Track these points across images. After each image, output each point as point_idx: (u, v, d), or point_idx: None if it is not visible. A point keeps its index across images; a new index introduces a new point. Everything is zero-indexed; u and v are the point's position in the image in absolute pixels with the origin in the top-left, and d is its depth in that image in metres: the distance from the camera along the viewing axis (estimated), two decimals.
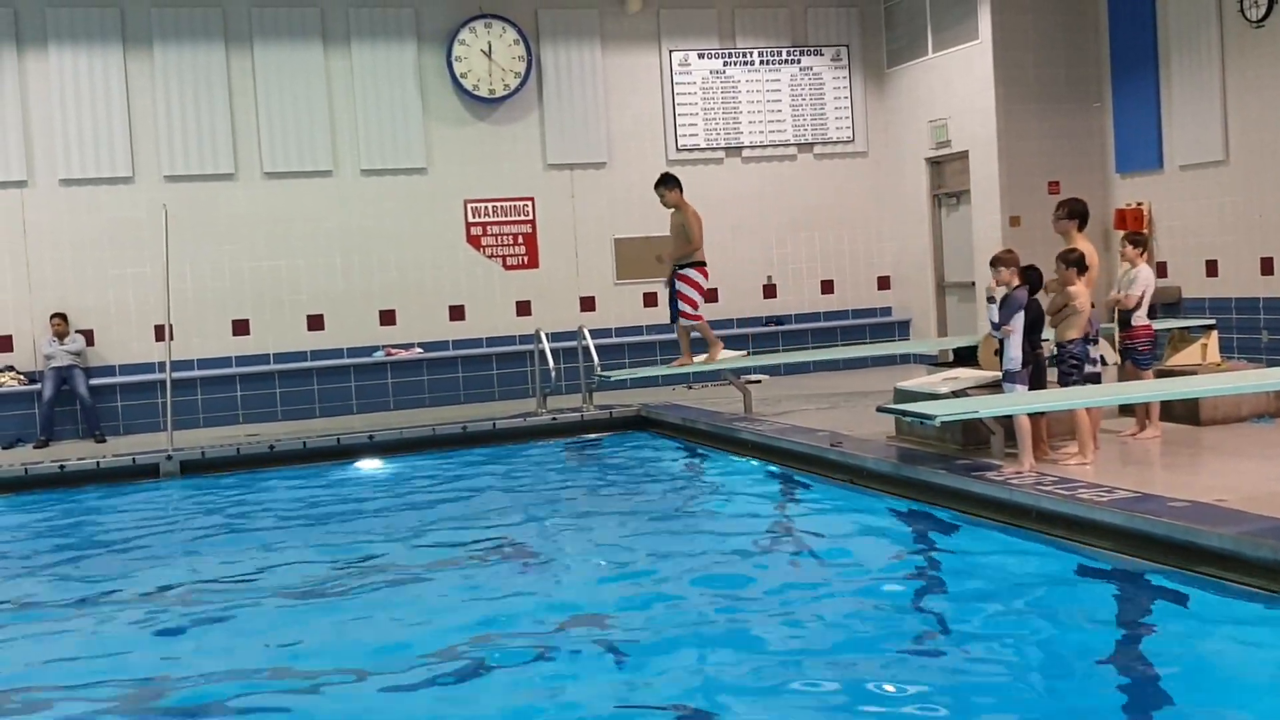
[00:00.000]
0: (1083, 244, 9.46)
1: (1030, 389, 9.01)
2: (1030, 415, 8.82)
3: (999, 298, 9.00)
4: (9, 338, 14.45)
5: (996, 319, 8.99)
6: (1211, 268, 13.70)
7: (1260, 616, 6.21)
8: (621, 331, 16.42)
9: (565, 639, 6.57)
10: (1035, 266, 9.31)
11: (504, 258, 16.13)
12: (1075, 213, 9.66)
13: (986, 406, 8.84)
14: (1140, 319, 9.92)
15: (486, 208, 16.06)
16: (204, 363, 14.96)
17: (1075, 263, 9.13)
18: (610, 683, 5.89)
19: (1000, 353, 9.14)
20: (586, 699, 5.69)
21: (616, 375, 13.80)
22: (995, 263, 9.11)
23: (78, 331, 14.41)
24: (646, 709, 5.55)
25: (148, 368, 14.68)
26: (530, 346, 14.90)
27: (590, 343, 14.09)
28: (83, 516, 10.81)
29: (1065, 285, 9.14)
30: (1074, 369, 9.16)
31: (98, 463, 12.21)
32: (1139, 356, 9.95)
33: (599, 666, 6.13)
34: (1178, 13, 13.84)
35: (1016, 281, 8.98)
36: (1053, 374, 9.52)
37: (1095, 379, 9.29)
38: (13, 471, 12.03)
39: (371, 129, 15.57)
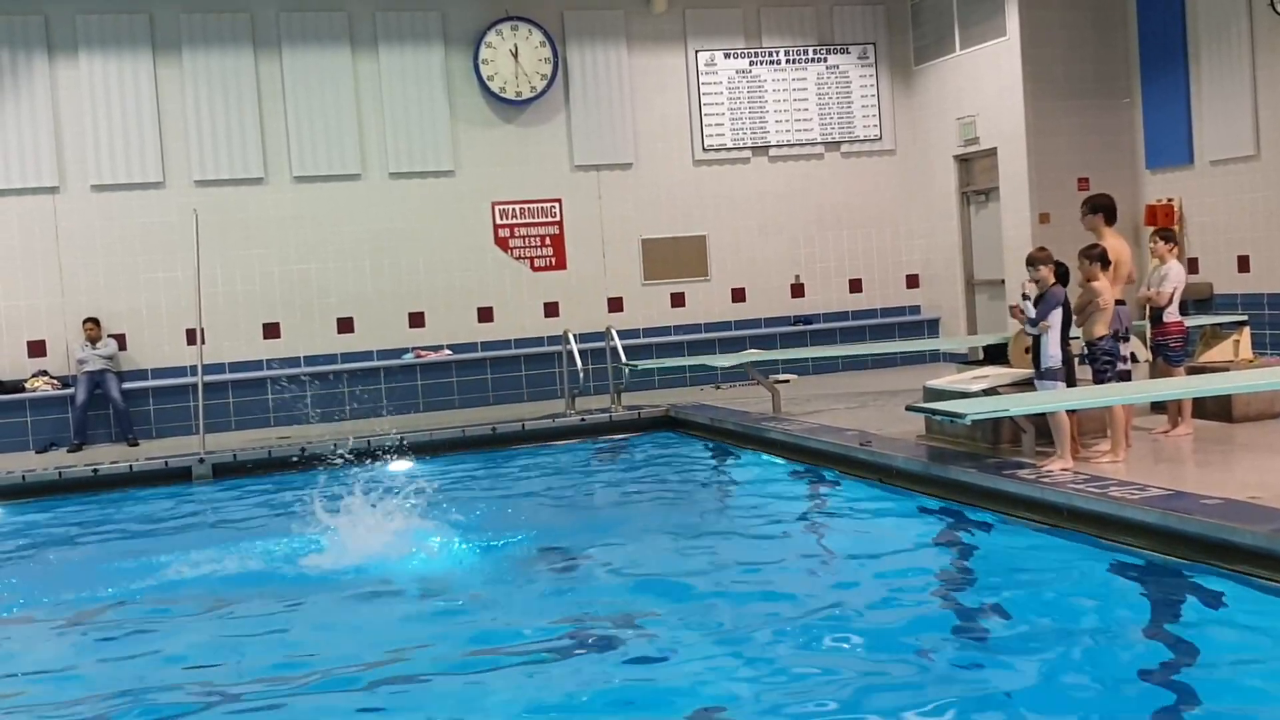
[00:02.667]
0: (1112, 239, 9.40)
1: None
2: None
3: (1032, 295, 8.95)
4: (42, 343, 14.57)
5: (1034, 315, 8.92)
6: (1243, 263, 13.59)
7: None
8: (649, 332, 16.42)
9: (596, 638, 6.59)
10: (1063, 263, 9.25)
11: (531, 259, 16.16)
12: (1099, 207, 9.56)
13: (1017, 404, 8.80)
14: (1172, 315, 9.86)
15: (514, 209, 16.09)
16: (235, 366, 15.06)
17: (1098, 258, 9.08)
18: (637, 684, 5.90)
19: (1034, 351, 9.09)
20: (613, 698, 5.69)
21: (643, 365, 13.86)
22: (1032, 261, 9.06)
23: (110, 336, 14.52)
24: (678, 707, 5.54)
25: (180, 371, 14.78)
26: (558, 347, 14.93)
27: (618, 343, 14.12)
28: (116, 520, 10.89)
29: (1088, 281, 9.10)
30: (1108, 365, 9.11)
31: (130, 466, 12.32)
32: (1171, 353, 9.89)
33: (630, 666, 6.14)
34: (1207, 7, 13.73)
35: (1053, 280, 8.94)
36: (1084, 372, 9.46)
37: (1126, 376, 9.23)
38: (47, 475, 12.14)
39: (399, 132, 15.63)
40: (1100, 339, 9.11)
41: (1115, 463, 8.73)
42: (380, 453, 12.77)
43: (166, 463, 12.39)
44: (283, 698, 5.99)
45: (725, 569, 7.90)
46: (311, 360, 15.31)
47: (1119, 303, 9.21)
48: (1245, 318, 11.91)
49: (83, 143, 14.67)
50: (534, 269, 16.17)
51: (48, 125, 14.56)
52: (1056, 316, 8.86)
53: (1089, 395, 8.92)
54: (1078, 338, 9.35)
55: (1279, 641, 5.96)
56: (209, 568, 8.81)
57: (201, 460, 12.34)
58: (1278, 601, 6.32)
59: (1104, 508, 7.63)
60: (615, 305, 16.39)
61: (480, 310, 15.96)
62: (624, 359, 13.96)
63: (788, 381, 15.49)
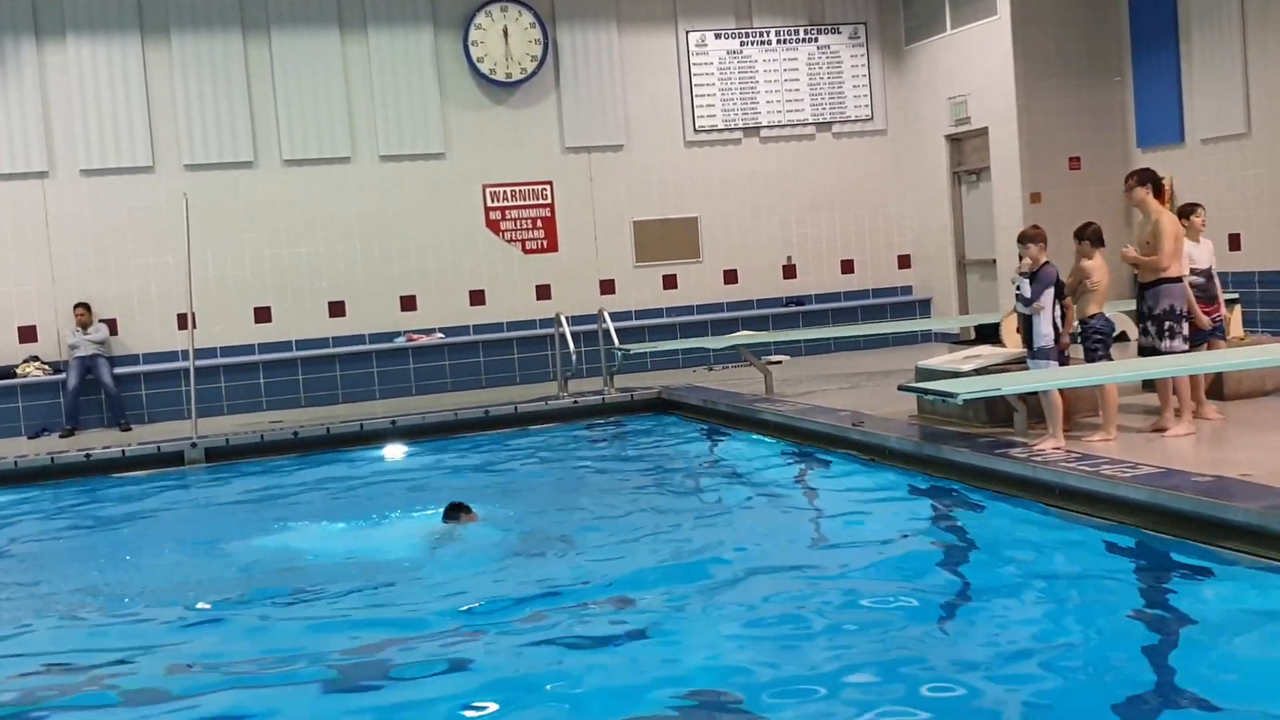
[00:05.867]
0: (1165, 214, 9.10)
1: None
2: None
3: (1028, 273, 8.92)
4: (33, 328, 14.54)
5: (1029, 294, 8.89)
6: (1234, 241, 13.60)
7: None
8: (641, 314, 16.41)
9: (590, 620, 6.60)
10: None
11: (523, 242, 16.14)
12: (1146, 179, 9.18)
13: (1009, 383, 8.80)
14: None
15: (505, 192, 16.06)
16: (227, 350, 15.03)
17: (1089, 237, 9.09)
18: (635, 664, 5.91)
19: (1026, 330, 9.06)
20: (608, 681, 5.71)
21: (636, 349, 13.88)
22: (1023, 239, 9.04)
23: (101, 321, 14.48)
24: (669, 691, 5.55)
25: (171, 356, 14.75)
26: (550, 330, 14.91)
27: (610, 325, 14.11)
28: (109, 505, 10.88)
29: (1080, 260, 9.08)
30: (1099, 344, 9.11)
31: (123, 451, 12.31)
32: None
33: (623, 648, 6.15)
34: None
35: (1044, 258, 8.93)
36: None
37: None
38: (39, 461, 12.13)
39: (389, 115, 15.57)
40: (1092, 317, 9.11)
41: (1107, 441, 8.74)
42: (372, 437, 12.82)
43: (159, 447, 12.38)
44: (276, 685, 6.00)
45: (718, 550, 7.91)
46: (303, 344, 15.29)
47: (1177, 280, 9.04)
48: (1236, 296, 11.93)
49: (71, 127, 14.61)
50: (525, 251, 16.15)
51: (36, 110, 14.49)
52: (1049, 296, 8.86)
53: (1081, 374, 8.93)
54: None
55: (1271, 618, 5.99)
56: (201, 553, 8.82)
57: (194, 445, 12.33)
58: (1270, 578, 6.34)
59: (1096, 486, 7.65)
60: (607, 287, 16.38)
61: (472, 293, 15.94)
62: (616, 341, 13.96)
63: (780, 363, 15.51)
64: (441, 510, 8.78)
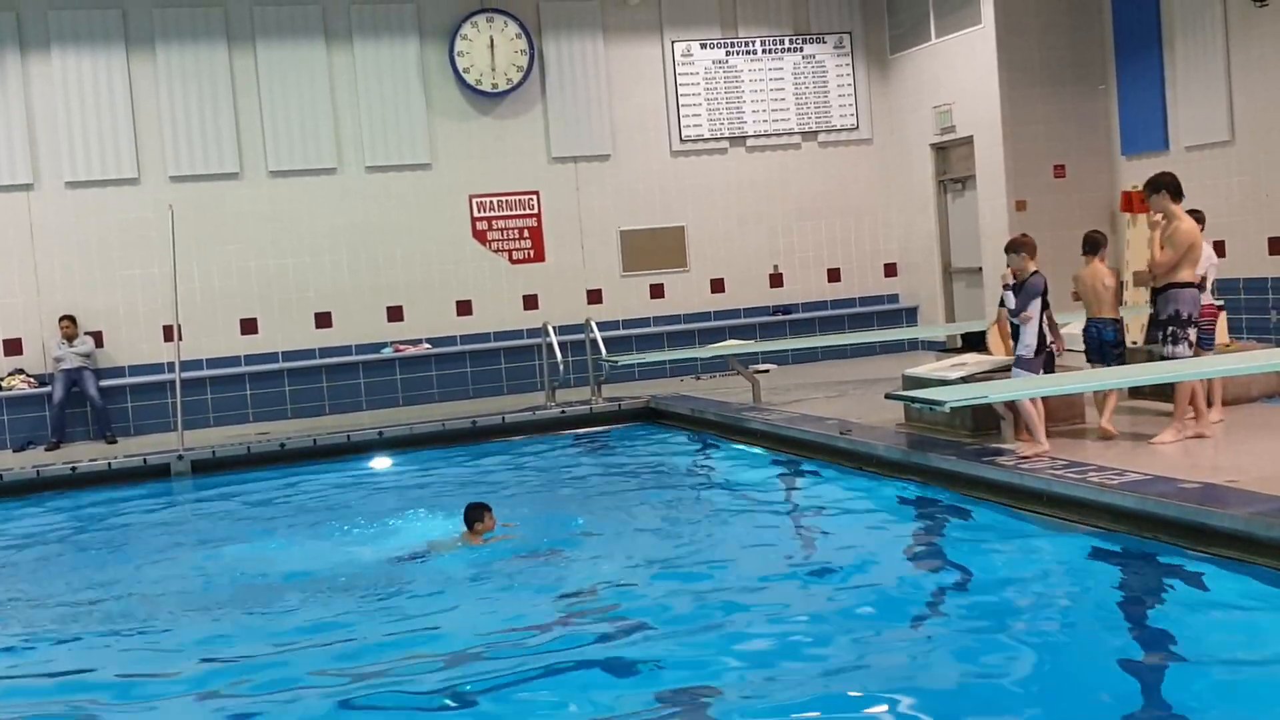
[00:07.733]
0: (1185, 221, 8.96)
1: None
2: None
3: (1013, 285, 8.94)
4: (18, 340, 14.48)
5: (1013, 305, 8.90)
6: (1219, 248, 13.59)
7: (1273, 596, 6.21)
8: (629, 323, 16.41)
9: (578, 628, 6.59)
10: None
11: (510, 252, 16.13)
12: (1161, 185, 9.00)
13: (995, 391, 8.82)
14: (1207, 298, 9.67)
15: (491, 202, 16.05)
16: (213, 362, 14.99)
17: (1085, 245, 9.16)
18: (619, 672, 5.90)
19: (1017, 338, 9.08)
20: (594, 692, 5.70)
21: (624, 360, 13.89)
22: (1012, 248, 9.05)
23: (87, 333, 14.43)
24: (653, 697, 5.55)
25: (157, 368, 14.70)
26: (538, 340, 14.91)
27: (598, 335, 14.11)
28: (95, 518, 10.83)
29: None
30: (1087, 349, 9.16)
31: (109, 464, 12.26)
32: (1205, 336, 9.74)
33: (611, 659, 6.14)
34: None
35: (1032, 267, 8.95)
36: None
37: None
38: (25, 474, 12.08)
39: (375, 125, 15.56)
40: (1090, 321, 9.16)
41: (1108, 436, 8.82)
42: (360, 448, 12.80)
43: (145, 460, 12.35)
44: (262, 695, 5.97)
45: (705, 559, 7.91)
46: (289, 355, 15.26)
47: (1189, 285, 8.92)
48: (1221, 302, 11.94)
49: (56, 139, 14.57)
50: (512, 261, 16.14)
51: (21, 122, 14.45)
52: (1036, 307, 8.88)
53: (1064, 382, 8.95)
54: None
55: (1257, 624, 6.00)
56: (187, 566, 8.79)
57: (180, 457, 12.30)
58: (1256, 584, 6.35)
59: (1083, 493, 7.66)
60: (594, 297, 16.37)
61: (459, 303, 15.93)
62: (604, 351, 13.96)
63: (767, 371, 15.52)
64: (438, 519, 8.77)
